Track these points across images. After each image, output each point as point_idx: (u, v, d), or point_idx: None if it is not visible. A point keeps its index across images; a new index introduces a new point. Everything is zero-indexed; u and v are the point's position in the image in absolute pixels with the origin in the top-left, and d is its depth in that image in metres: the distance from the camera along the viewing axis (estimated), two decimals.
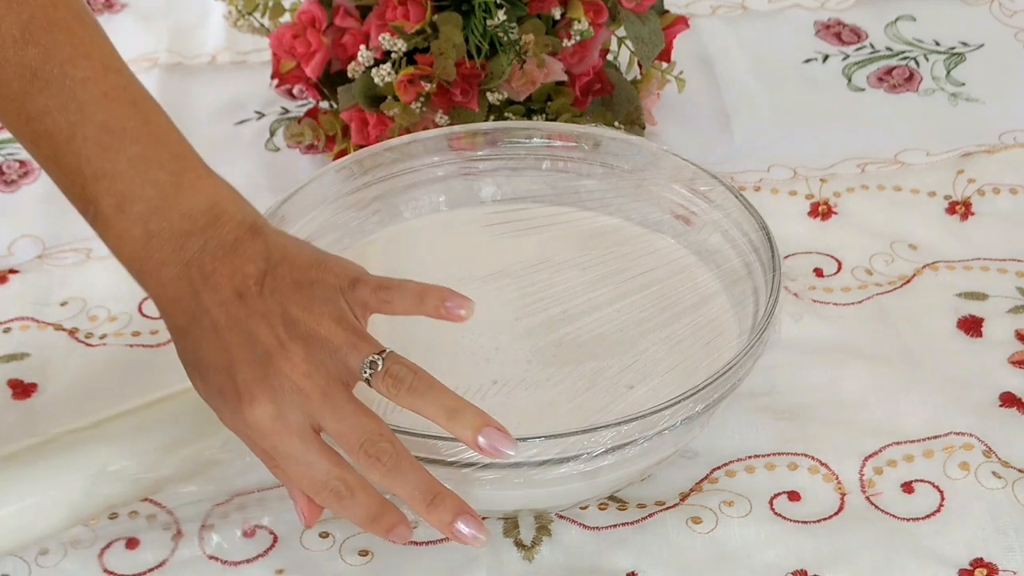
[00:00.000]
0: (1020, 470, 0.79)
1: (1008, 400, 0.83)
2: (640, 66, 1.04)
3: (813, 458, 0.80)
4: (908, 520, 0.77)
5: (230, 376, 0.67)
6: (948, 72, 1.11)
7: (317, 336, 0.67)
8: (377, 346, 0.68)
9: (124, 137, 0.69)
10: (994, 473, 0.79)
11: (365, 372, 0.67)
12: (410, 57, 0.96)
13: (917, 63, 1.13)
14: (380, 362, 0.67)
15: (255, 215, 0.71)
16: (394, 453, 0.67)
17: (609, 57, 1.04)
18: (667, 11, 1.05)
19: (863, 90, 1.11)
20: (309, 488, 0.68)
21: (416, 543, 0.76)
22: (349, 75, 0.97)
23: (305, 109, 1.06)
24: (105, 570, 0.76)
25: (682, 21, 1.05)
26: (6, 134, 1.08)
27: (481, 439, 0.66)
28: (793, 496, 0.78)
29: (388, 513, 0.68)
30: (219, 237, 0.69)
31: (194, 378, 0.70)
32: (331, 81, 1.00)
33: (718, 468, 0.80)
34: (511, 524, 0.77)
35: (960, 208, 0.98)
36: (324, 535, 0.77)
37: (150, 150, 0.69)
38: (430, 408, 0.67)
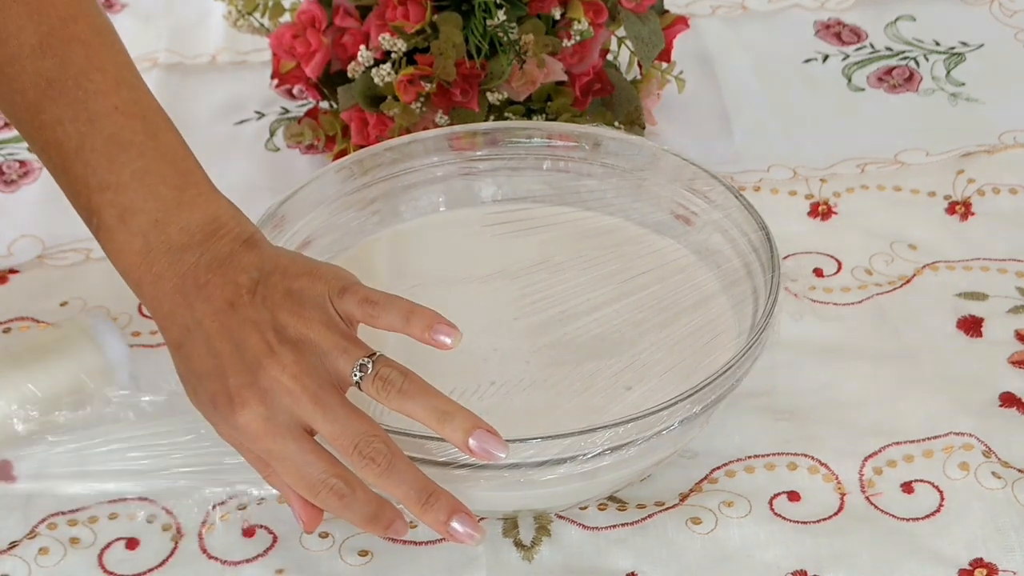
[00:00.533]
0: (1020, 470, 0.79)
1: (1008, 400, 0.83)
2: (640, 66, 1.04)
3: (813, 458, 0.80)
4: (908, 520, 0.77)
5: (222, 383, 0.67)
6: (948, 72, 1.11)
7: (307, 340, 0.67)
8: (367, 350, 0.68)
9: (130, 150, 0.70)
10: (994, 473, 0.78)
11: (355, 376, 0.67)
12: (410, 57, 0.96)
13: (917, 63, 1.13)
14: (370, 365, 0.67)
15: (252, 230, 0.72)
16: (388, 453, 0.67)
17: (609, 57, 1.04)
18: (667, 11, 1.05)
19: (863, 90, 1.11)
20: (307, 489, 0.68)
21: (416, 543, 0.76)
22: (349, 75, 0.97)
23: (305, 109, 1.06)
24: (105, 570, 0.76)
25: (682, 21, 1.05)
26: (5, 134, 1.08)
27: (472, 442, 0.66)
28: (793, 496, 0.78)
29: (386, 510, 0.68)
30: (214, 250, 0.70)
31: (189, 391, 0.70)
32: (331, 81, 1.00)
33: (718, 468, 0.80)
34: (511, 524, 0.77)
35: (960, 208, 0.98)
36: (324, 535, 0.77)
37: (155, 164, 0.71)
38: (420, 411, 0.67)
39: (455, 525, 0.67)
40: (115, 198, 0.70)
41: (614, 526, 0.77)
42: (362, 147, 0.93)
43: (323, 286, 0.69)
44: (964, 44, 1.14)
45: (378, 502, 0.68)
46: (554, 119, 0.97)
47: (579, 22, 0.97)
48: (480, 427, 0.67)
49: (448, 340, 0.68)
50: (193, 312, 0.69)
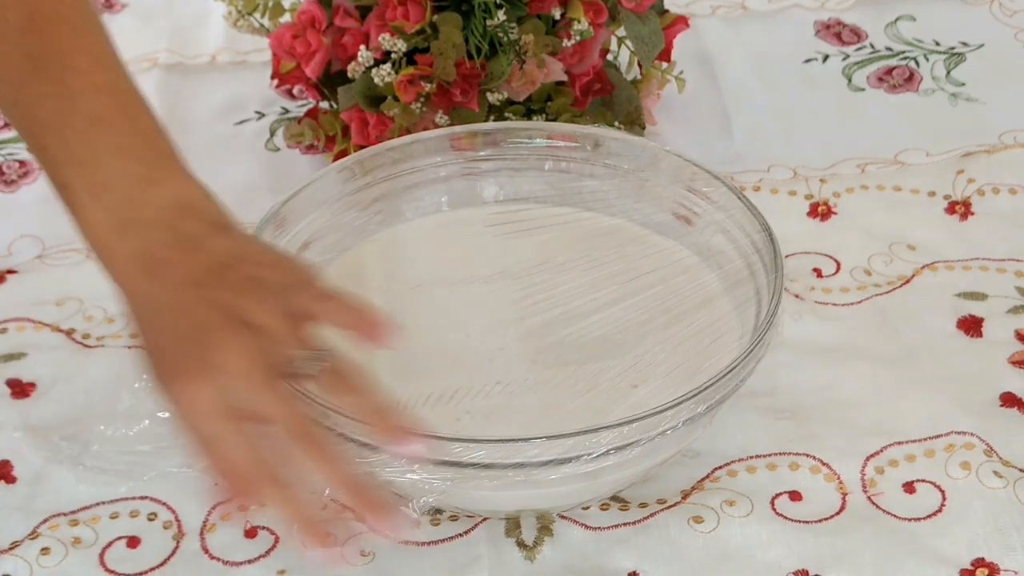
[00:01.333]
0: (1021, 469, 0.79)
1: (1008, 400, 0.83)
2: (640, 66, 1.04)
3: (814, 458, 0.80)
4: (909, 520, 0.77)
5: (176, 360, 0.68)
6: (948, 72, 1.12)
7: (262, 327, 0.68)
8: (319, 344, 0.69)
9: (107, 129, 0.71)
10: (995, 473, 0.79)
11: (303, 368, 0.68)
12: (410, 57, 0.96)
13: (917, 63, 1.13)
14: (318, 360, 0.68)
15: (224, 216, 0.72)
16: (333, 438, 0.67)
17: (609, 57, 1.04)
18: (667, 11, 1.05)
19: (863, 90, 1.11)
20: (241, 474, 0.67)
21: (418, 543, 0.76)
22: (349, 75, 0.97)
23: (305, 109, 1.06)
24: (107, 569, 0.76)
25: (682, 21, 1.05)
26: (5, 134, 1.08)
27: (391, 437, 0.67)
28: (794, 496, 0.78)
29: (317, 521, 0.67)
30: (181, 230, 0.70)
31: (147, 364, 0.70)
32: (331, 81, 1.00)
33: (720, 467, 0.80)
34: (513, 524, 0.77)
35: (960, 208, 0.98)
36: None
37: (130, 142, 0.71)
38: (359, 407, 0.68)
39: (380, 521, 0.67)
40: (88, 174, 0.70)
41: (616, 526, 0.77)
42: (362, 147, 0.93)
43: (286, 277, 0.70)
44: (964, 44, 1.15)
45: (317, 506, 0.68)
46: (554, 119, 0.97)
47: (579, 22, 0.97)
48: (406, 428, 0.67)
49: (389, 343, 0.69)
50: (154, 289, 0.69)
